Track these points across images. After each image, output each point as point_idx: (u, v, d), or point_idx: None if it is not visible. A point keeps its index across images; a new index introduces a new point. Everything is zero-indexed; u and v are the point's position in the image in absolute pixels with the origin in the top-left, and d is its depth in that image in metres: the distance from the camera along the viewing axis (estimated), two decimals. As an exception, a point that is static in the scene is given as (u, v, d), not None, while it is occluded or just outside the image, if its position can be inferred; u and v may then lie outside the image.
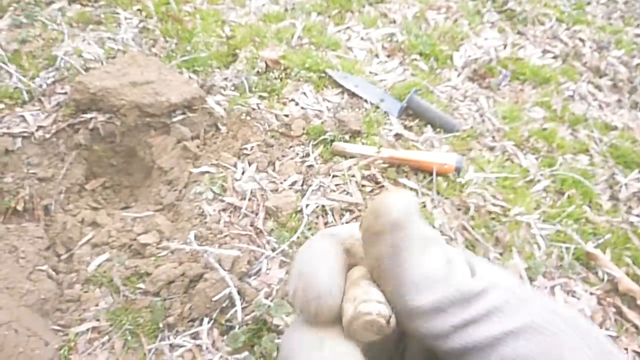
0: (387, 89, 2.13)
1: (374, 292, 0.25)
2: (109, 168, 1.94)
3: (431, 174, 1.73)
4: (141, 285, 1.48)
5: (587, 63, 2.52)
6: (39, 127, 1.79)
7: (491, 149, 1.97)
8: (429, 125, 1.97)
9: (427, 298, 0.23)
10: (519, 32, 2.67)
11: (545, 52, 2.57)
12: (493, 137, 2.02)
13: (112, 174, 1.95)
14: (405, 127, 1.96)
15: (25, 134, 1.76)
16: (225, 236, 1.58)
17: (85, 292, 1.49)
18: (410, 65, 2.30)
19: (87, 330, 1.41)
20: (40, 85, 1.92)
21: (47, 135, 1.78)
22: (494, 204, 1.73)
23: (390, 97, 2.06)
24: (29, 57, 2.03)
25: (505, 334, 0.23)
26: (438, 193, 1.70)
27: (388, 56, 2.35)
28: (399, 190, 0.26)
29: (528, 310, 0.24)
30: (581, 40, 2.68)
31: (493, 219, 1.69)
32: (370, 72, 2.23)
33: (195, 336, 1.39)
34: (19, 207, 1.63)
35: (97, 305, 1.46)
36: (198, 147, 1.88)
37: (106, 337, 1.40)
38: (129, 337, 1.39)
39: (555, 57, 2.54)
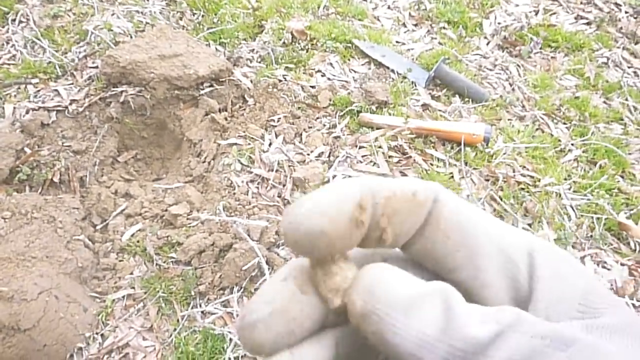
0: (414, 58, 2.11)
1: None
2: (140, 140, 1.98)
3: (459, 144, 1.71)
4: (173, 255, 1.52)
5: (622, 29, 2.43)
6: (72, 101, 1.83)
7: (521, 118, 1.94)
8: (457, 95, 1.95)
9: None
10: (552, -2, 2.59)
11: (578, 17, 2.49)
12: (523, 106, 1.99)
13: (143, 146, 1.99)
14: (433, 97, 1.95)
15: (60, 108, 1.81)
16: (254, 207, 1.61)
17: (120, 260, 1.54)
18: (438, 33, 2.26)
19: (123, 297, 1.47)
20: (73, 60, 1.96)
21: (80, 109, 1.83)
22: (523, 174, 1.71)
23: (417, 67, 2.04)
24: (61, 32, 2.06)
25: None
26: (466, 163, 1.69)
27: (415, 25, 2.32)
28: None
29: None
30: (617, 5, 2.58)
31: (522, 189, 1.68)
32: (398, 42, 2.20)
33: (225, 304, 1.44)
34: (56, 179, 1.69)
35: (131, 273, 1.52)
36: (226, 119, 1.90)
37: (141, 304, 1.46)
38: (163, 304, 1.45)
39: (589, 23, 2.46)
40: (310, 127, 1.83)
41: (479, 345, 0.20)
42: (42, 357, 1.34)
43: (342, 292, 0.23)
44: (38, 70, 1.92)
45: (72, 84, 1.90)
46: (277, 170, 1.70)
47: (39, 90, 1.86)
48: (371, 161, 1.71)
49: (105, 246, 1.57)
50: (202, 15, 2.25)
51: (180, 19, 2.24)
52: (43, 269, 1.41)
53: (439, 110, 1.88)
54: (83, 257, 1.50)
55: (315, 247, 0.22)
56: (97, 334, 1.40)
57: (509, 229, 0.25)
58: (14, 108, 1.79)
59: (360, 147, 1.75)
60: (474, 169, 1.70)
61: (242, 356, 1.38)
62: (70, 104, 1.83)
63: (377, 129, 1.79)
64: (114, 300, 1.46)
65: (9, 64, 1.98)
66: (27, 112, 1.78)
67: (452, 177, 1.66)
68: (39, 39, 2.02)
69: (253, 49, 2.10)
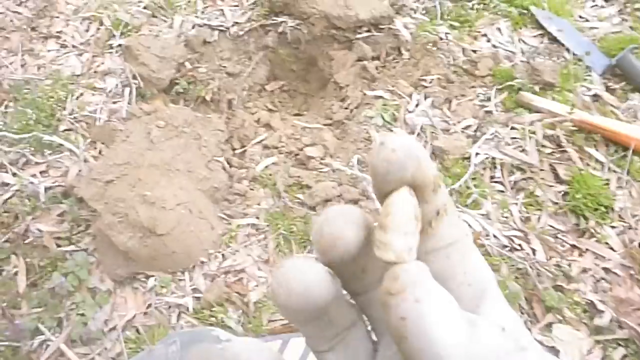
0: (596, 39, 1.88)
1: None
2: (289, 73, 2.01)
3: (626, 149, 1.53)
4: (300, 196, 1.56)
5: None
6: (235, 23, 1.88)
7: None
8: (636, 92, 1.72)
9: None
10: None
11: None
12: None
13: (291, 79, 2.01)
14: (608, 88, 1.73)
15: (222, 28, 1.86)
16: (387, 167, 1.58)
17: (251, 189, 1.61)
18: (631, 16, 1.98)
19: (247, 225, 1.54)
20: (242, -18, 1.99)
21: (241, 33, 1.87)
22: (693, 199, 1.51)
23: (597, 50, 1.82)
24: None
25: None
26: (628, 173, 1.51)
27: (606, 0, 2.05)
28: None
29: None
30: None
31: (687, 215, 1.48)
32: (581, 17, 1.97)
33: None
34: (208, 98, 1.77)
35: (259, 204, 1.58)
36: (377, 69, 1.85)
37: (262, 236, 1.52)
38: (282, 241, 1.50)
39: None
40: (462, 95, 1.73)
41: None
42: (169, 262, 1.47)
43: (407, 251, 0.23)
44: (210, -14, 1.98)
45: (237, 6, 1.93)
46: (418, 134, 1.64)
47: (206, 7, 1.93)
48: (520, 146, 1.59)
49: (240, 172, 1.64)
50: (375, -46, 2.15)
51: (352, -46, 2.16)
52: (183, 182, 1.51)
53: (611, 105, 1.68)
54: (219, 179, 1.58)
55: (405, 167, 0.23)
56: (218, 253, 1.50)
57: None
58: (182, 21, 1.87)
59: (511, 128, 1.63)
60: (637, 181, 1.52)
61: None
62: (233, 25, 1.88)
63: (535, 112, 1.65)
64: (239, 225, 1.54)
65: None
66: (192, 27, 1.86)
67: (608, 184, 1.50)
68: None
69: (420, -1, 1.99)
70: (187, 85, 1.76)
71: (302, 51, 1.95)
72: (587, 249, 1.41)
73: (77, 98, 1.76)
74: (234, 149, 1.71)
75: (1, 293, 1.42)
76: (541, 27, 1.90)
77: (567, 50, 1.82)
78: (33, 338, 1.38)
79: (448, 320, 0.21)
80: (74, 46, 1.92)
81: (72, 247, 1.49)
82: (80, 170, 1.59)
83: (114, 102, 1.74)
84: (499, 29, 1.91)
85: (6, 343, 1.35)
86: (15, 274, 1.46)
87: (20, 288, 1.44)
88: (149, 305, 1.43)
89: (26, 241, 1.49)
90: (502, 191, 1.53)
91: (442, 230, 0.25)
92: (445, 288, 0.24)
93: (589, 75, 1.76)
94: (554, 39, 1.86)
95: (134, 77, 1.71)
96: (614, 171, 1.53)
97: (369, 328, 0.28)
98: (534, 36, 1.89)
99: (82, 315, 1.38)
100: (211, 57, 1.83)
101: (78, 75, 1.83)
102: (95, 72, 1.84)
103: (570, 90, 1.70)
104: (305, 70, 2.01)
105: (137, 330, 1.40)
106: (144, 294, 1.45)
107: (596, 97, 1.70)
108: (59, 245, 1.50)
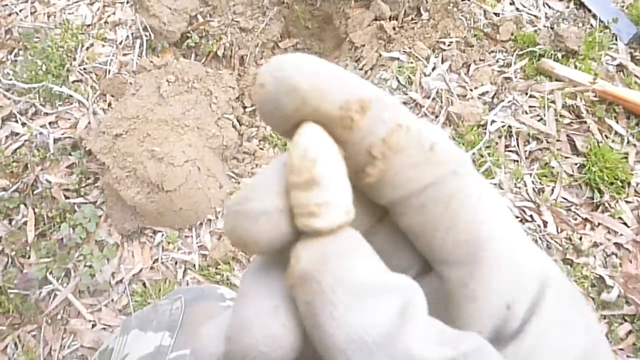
0: (624, 6, 1.80)
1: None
2: (304, 30, 1.95)
3: (647, 123, 1.49)
4: (310, 157, 1.53)
5: None
6: (250, -24, 1.81)
7: None
8: (663, 63, 1.66)
9: None
10: None
11: None
12: None
13: (305, 37, 1.96)
14: (633, 58, 1.67)
15: (237, -19, 1.80)
16: (400, 131, 1.55)
17: (261, 148, 1.59)
18: (665, -19, 1.89)
19: (256, 184, 1.53)
20: None
21: (255, -14, 1.81)
22: None
23: (625, 18, 1.74)
24: None
25: None
26: (648, 147, 1.48)
27: (639, -36, 1.95)
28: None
29: None
30: None
31: None
32: (611, -19, 1.88)
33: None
34: (219, 53, 1.73)
35: (268, 163, 1.56)
36: (394, 29, 1.79)
37: (271, 196, 1.51)
38: (290, 202, 1.49)
39: None
40: (481, 60, 1.68)
41: None
42: (176, 218, 1.47)
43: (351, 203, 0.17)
44: None
45: (253, -43, 1.87)
46: (433, 99, 1.60)
47: (221, -42, 1.86)
48: (538, 115, 1.55)
49: (250, 131, 1.62)
50: None
51: None
52: (192, 139, 1.49)
53: (636, 76, 1.62)
54: (229, 137, 1.56)
55: (280, 104, 0.17)
56: (226, 211, 1.49)
57: (528, 244, 0.19)
58: (196, -28, 1.81)
59: (530, 96, 1.58)
60: (656, 155, 1.48)
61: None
62: (247, -22, 1.82)
63: (556, 80, 1.59)
64: (247, 184, 1.53)
65: None
66: (206, -21, 1.80)
67: (626, 158, 1.46)
68: None
69: (443, -43, 1.91)
70: (199, 39, 1.72)
71: (317, 8, 1.89)
72: (599, 223, 1.39)
73: (87, 49, 1.73)
74: (244, 107, 1.68)
75: (10, 242, 1.44)
76: (568, -9, 1.82)
77: (594, 16, 1.75)
78: (41, 287, 1.40)
79: (352, 328, 0.16)
80: (84, -6, 1.88)
81: (80, 200, 1.50)
82: (89, 123, 1.58)
83: (124, 54, 1.71)
84: (523, -8, 1.83)
85: (15, 291, 1.37)
86: (25, 223, 1.47)
87: (29, 238, 1.45)
88: (156, 260, 1.44)
89: (35, 192, 1.50)
90: (516, 161, 1.50)
91: (399, 174, 0.18)
92: (424, 249, 0.19)
93: (615, 44, 1.69)
94: (580, 4, 1.78)
95: (145, 29, 1.67)
96: (634, 145, 1.48)
97: None
98: (560, 0, 1.81)
99: (90, 267, 1.40)
100: (224, 10, 1.78)
101: (88, 25, 1.79)
102: (105, 22, 1.79)
103: (594, 59, 1.64)
104: (320, 28, 1.95)
105: (144, 284, 1.42)
106: (151, 249, 1.45)
107: (621, 67, 1.64)
108: (67, 197, 1.50)
